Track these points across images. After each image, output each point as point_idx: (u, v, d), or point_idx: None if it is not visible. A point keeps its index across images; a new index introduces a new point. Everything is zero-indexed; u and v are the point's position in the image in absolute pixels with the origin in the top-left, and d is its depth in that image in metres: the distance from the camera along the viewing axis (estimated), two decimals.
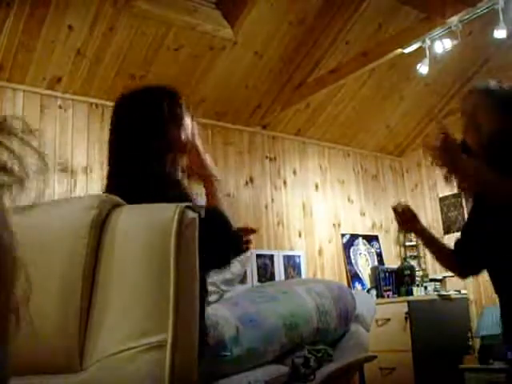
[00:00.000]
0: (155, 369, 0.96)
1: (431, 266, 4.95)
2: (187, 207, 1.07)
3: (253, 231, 1.60)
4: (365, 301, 2.12)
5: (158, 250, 1.03)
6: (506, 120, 1.78)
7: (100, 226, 1.09)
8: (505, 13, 3.40)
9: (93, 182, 3.58)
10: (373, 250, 4.95)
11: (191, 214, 1.06)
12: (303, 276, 4.40)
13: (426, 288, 4.54)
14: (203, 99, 4.05)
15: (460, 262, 1.95)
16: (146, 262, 1.03)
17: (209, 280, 1.80)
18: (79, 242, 1.07)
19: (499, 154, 1.74)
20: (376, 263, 4.87)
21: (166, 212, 1.06)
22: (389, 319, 4.16)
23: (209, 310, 1.52)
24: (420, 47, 3.78)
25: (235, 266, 1.96)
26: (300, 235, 4.55)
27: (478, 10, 3.42)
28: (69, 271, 1.06)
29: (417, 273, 4.68)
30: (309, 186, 4.73)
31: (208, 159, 1.63)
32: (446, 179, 1.78)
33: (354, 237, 4.87)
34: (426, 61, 3.86)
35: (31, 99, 3.49)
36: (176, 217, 1.03)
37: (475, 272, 1.99)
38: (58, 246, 1.08)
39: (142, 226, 1.08)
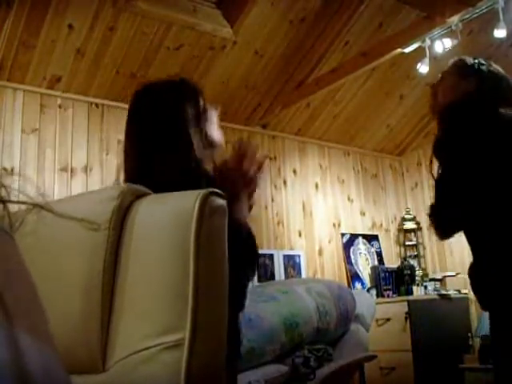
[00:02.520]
0: (171, 370, 0.88)
1: (431, 265, 4.95)
2: (212, 193, 0.95)
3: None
4: (365, 300, 2.12)
5: (177, 241, 0.94)
6: (463, 86, 1.75)
7: (121, 219, 1.01)
8: (505, 13, 3.40)
9: (93, 182, 3.57)
10: (373, 250, 4.95)
11: (217, 201, 0.94)
12: (303, 276, 4.40)
13: (426, 288, 4.54)
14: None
15: None
16: (164, 255, 0.95)
17: None
18: (99, 237, 1.00)
19: (449, 126, 1.74)
20: (376, 263, 4.87)
21: (188, 200, 0.95)
22: (389, 319, 4.16)
23: None
24: (420, 47, 3.78)
25: None
26: (300, 235, 4.55)
27: (478, 10, 3.42)
28: (89, 267, 0.99)
29: (417, 272, 4.68)
30: (309, 185, 4.73)
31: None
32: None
33: (353, 236, 4.86)
34: (426, 60, 3.85)
35: (31, 99, 3.49)
36: (197, 204, 0.91)
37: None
38: (78, 242, 1.02)
39: (162, 215, 0.99)
